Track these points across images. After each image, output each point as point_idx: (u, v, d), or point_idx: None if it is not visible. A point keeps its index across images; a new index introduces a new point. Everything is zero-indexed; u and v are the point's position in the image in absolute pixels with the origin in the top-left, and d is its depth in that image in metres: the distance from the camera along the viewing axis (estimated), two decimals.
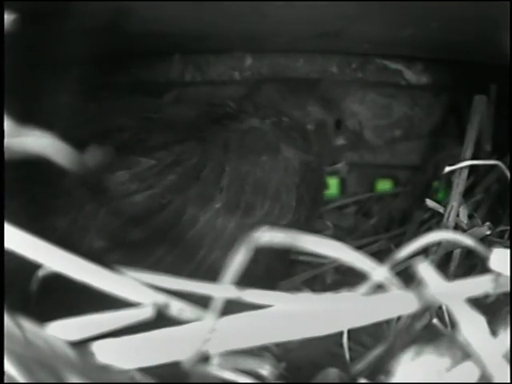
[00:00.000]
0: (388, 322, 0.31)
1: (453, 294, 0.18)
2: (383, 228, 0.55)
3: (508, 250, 0.18)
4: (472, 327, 0.17)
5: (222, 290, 0.18)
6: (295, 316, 0.18)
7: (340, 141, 0.55)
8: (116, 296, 0.19)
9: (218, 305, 0.18)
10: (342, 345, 0.28)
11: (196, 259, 0.35)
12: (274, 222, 0.39)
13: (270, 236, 0.18)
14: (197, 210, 0.36)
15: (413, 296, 0.19)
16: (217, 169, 0.38)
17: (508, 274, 0.18)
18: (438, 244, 0.35)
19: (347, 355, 0.28)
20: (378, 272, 0.19)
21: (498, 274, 0.19)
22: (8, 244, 0.17)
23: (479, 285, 0.19)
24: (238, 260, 0.18)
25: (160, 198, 0.35)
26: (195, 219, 0.36)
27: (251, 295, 0.19)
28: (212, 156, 0.39)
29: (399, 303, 0.19)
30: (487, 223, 0.36)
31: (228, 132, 0.42)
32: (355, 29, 0.47)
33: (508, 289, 0.19)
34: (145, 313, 0.19)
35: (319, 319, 0.18)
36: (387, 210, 0.57)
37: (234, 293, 0.19)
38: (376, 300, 0.19)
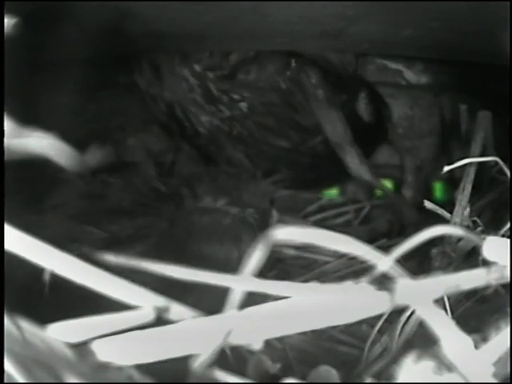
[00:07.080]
0: (390, 333, 0.31)
1: (420, 294, 0.18)
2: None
3: (503, 239, 0.18)
4: (454, 345, 0.17)
5: (241, 282, 0.18)
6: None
7: None
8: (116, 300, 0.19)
9: (236, 298, 0.18)
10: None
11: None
12: None
13: (285, 232, 0.18)
14: None
15: (385, 296, 0.19)
16: None
17: (506, 263, 0.18)
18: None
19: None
20: (383, 262, 0.19)
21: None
22: (13, 247, 0.17)
23: (443, 283, 0.19)
24: (256, 256, 0.18)
25: None
26: None
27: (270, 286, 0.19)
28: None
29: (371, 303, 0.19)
30: (479, 228, 0.35)
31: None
32: (355, 29, 0.47)
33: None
34: (146, 316, 0.19)
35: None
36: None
37: (254, 284, 0.19)
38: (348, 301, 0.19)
